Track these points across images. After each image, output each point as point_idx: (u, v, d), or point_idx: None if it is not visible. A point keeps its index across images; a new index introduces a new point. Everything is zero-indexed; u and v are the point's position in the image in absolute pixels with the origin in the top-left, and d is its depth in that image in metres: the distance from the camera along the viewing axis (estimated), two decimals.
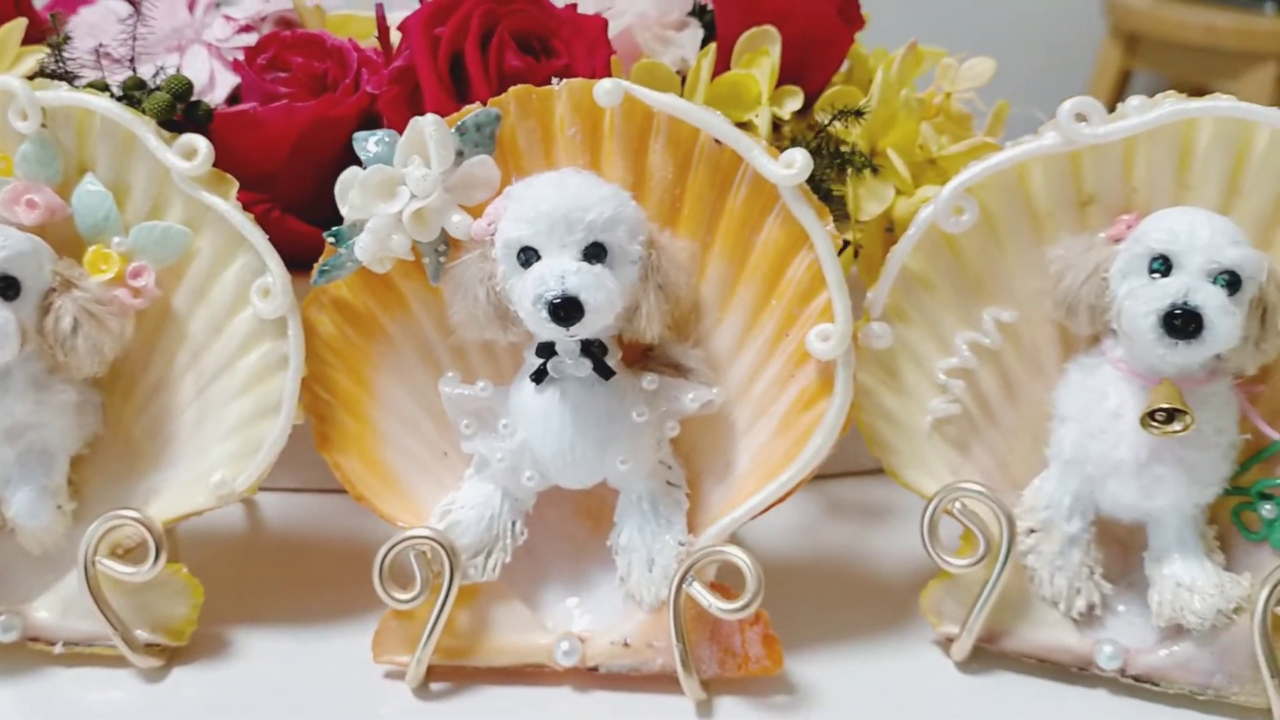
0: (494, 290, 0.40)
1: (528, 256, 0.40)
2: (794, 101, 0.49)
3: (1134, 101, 0.42)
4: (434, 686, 0.43)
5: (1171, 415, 0.40)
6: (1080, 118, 0.42)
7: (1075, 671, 0.43)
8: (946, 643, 0.44)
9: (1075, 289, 0.42)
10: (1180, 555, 0.42)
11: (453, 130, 0.41)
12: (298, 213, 0.47)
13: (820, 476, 0.55)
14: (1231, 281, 0.39)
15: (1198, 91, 0.41)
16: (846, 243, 0.51)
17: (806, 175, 0.40)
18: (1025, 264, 0.44)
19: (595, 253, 0.40)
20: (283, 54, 0.48)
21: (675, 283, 0.41)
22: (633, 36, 0.51)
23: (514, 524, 0.43)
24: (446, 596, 0.42)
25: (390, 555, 0.42)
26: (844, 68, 0.55)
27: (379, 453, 0.44)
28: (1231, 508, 0.44)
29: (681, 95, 0.48)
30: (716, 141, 0.42)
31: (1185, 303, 0.38)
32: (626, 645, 0.43)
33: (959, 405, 0.45)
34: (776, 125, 0.49)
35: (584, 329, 0.39)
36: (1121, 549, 0.45)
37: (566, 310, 0.38)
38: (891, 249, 0.44)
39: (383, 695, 0.43)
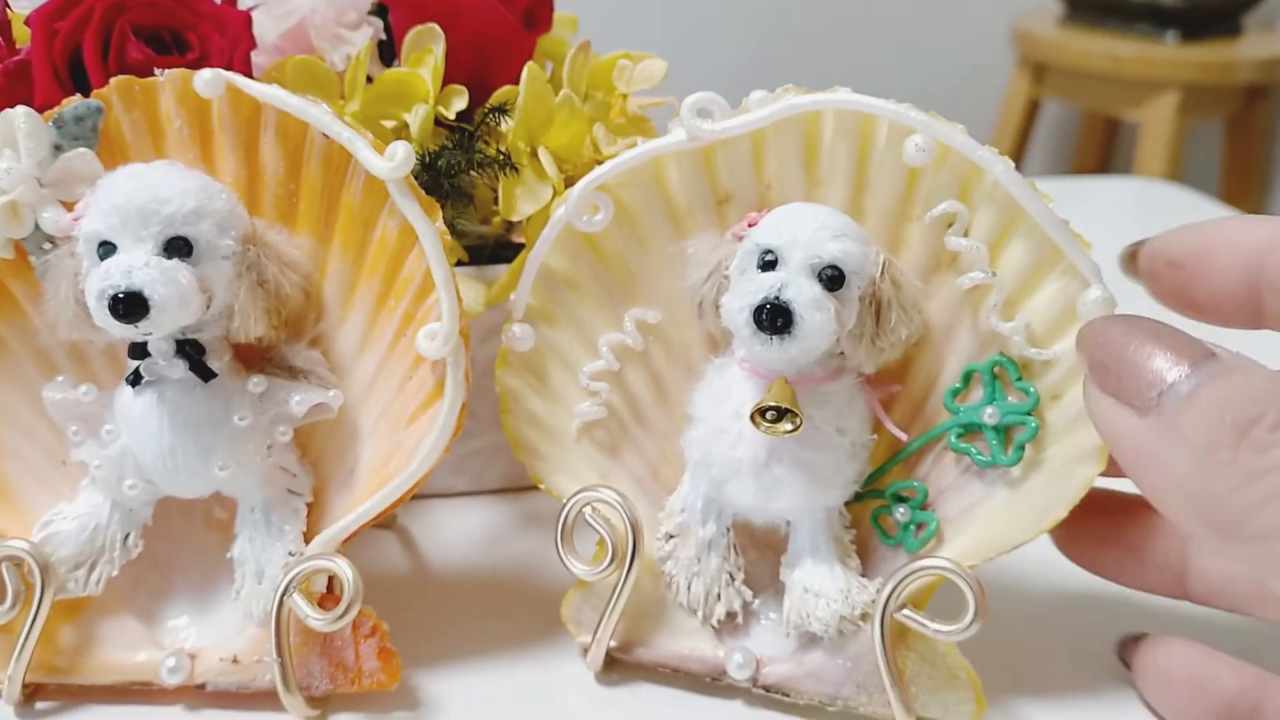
0: (78, 287, 0.39)
1: (106, 251, 0.38)
2: (459, 101, 0.48)
3: (755, 96, 0.40)
4: (40, 705, 0.41)
5: (782, 414, 0.38)
6: (703, 113, 0.40)
7: (709, 682, 0.42)
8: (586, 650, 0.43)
9: (699, 287, 0.41)
10: (811, 560, 0.41)
11: (49, 123, 0.40)
12: None
13: (523, 488, 0.54)
14: (835, 276, 0.38)
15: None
16: (506, 244, 0.50)
17: (409, 168, 0.39)
18: (669, 264, 0.43)
19: (177, 247, 0.38)
20: None
21: (277, 280, 0.40)
22: (305, 34, 0.49)
23: (127, 536, 0.41)
24: (36, 612, 0.40)
25: None
26: (549, 71, 0.54)
27: None
28: (871, 511, 0.42)
29: (342, 94, 0.47)
30: (325, 134, 0.40)
31: (776, 298, 0.37)
32: (235, 661, 0.41)
33: (606, 409, 0.43)
34: (445, 124, 0.48)
35: (154, 326, 0.37)
36: (774, 555, 0.43)
37: (128, 306, 0.36)
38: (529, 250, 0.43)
39: None
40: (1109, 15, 2.17)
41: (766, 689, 0.41)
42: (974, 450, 0.40)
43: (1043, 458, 0.39)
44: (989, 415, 0.40)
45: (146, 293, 0.36)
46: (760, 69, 2.21)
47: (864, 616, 0.40)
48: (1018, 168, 0.39)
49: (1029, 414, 0.39)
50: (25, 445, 0.43)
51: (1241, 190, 2.27)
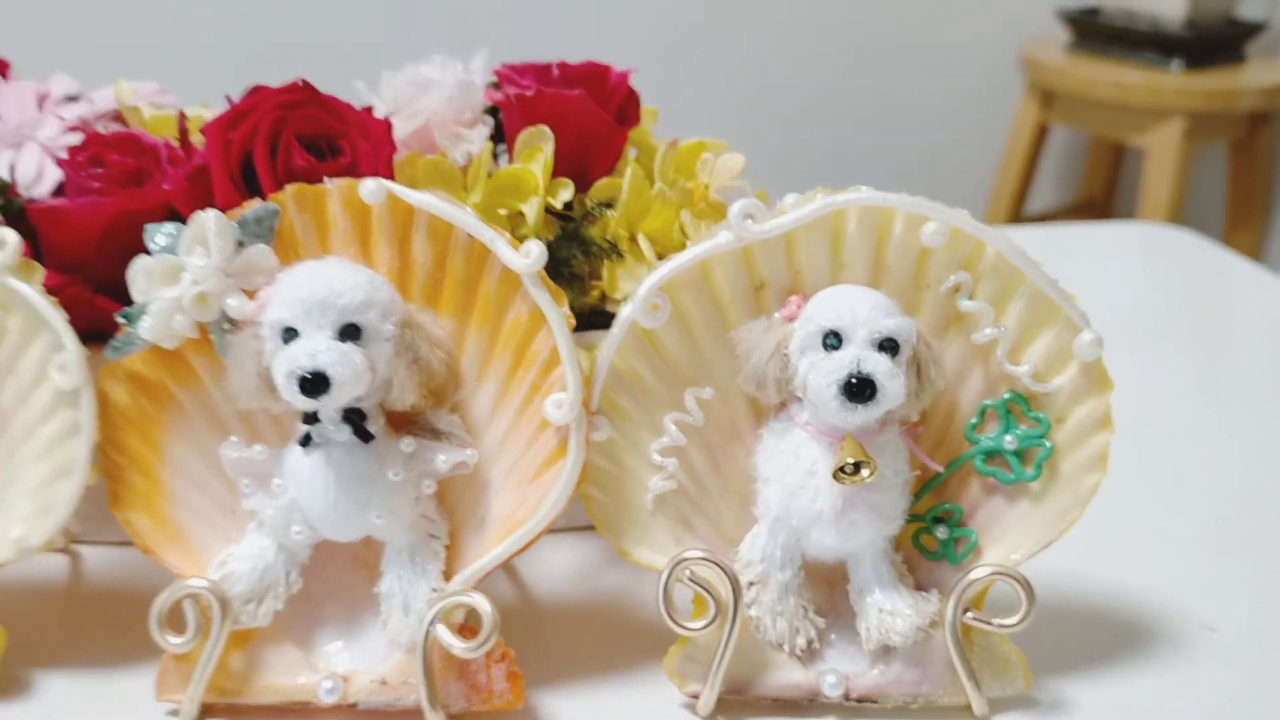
0: (262, 365, 0.46)
1: (289, 335, 0.45)
2: (565, 192, 0.55)
3: (790, 199, 0.47)
4: None
5: (858, 466, 0.45)
6: (749, 216, 0.47)
7: (807, 704, 0.49)
8: (693, 698, 0.49)
9: (762, 366, 0.47)
10: (879, 585, 0.48)
11: (234, 223, 0.47)
12: (111, 293, 0.52)
13: None
14: (892, 347, 0.45)
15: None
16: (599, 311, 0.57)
17: (542, 264, 0.46)
18: (716, 348, 0.49)
19: (349, 332, 0.45)
20: (101, 151, 0.53)
21: (428, 358, 0.47)
22: (430, 133, 0.56)
23: (288, 574, 0.48)
24: (216, 641, 0.47)
25: (167, 603, 0.46)
26: (633, 157, 0.61)
27: (167, 510, 0.49)
28: (911, 534, 0.50)
29: (465, 186, 0.54)
30: (470, 234, 0.47)
31: (859, 371, 0.44)
32: (384, 683, 0.48)
33: (675, 481, 0.49)
34: (552, 212, 0.55)
35: (333, 400, 0.44)
36: (828, 586, 0.51)
37: (314, 385, 0.43)
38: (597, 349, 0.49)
39: None
40: (1115, 43, 2.22)
41: (859, 700, 0.49)
42: (999, 472, 0.49)
43: (1056, 471, 0.49)
44: (1009, 442, 0.49)
45: (329, 373, 0.43)
46: (771, 95, 2.27)
47: (932, 624, 0.48)
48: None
49: (1043, 438, 0.48)
50: (198, 496, 0.49)
51: (1245, 215, 2.34)
